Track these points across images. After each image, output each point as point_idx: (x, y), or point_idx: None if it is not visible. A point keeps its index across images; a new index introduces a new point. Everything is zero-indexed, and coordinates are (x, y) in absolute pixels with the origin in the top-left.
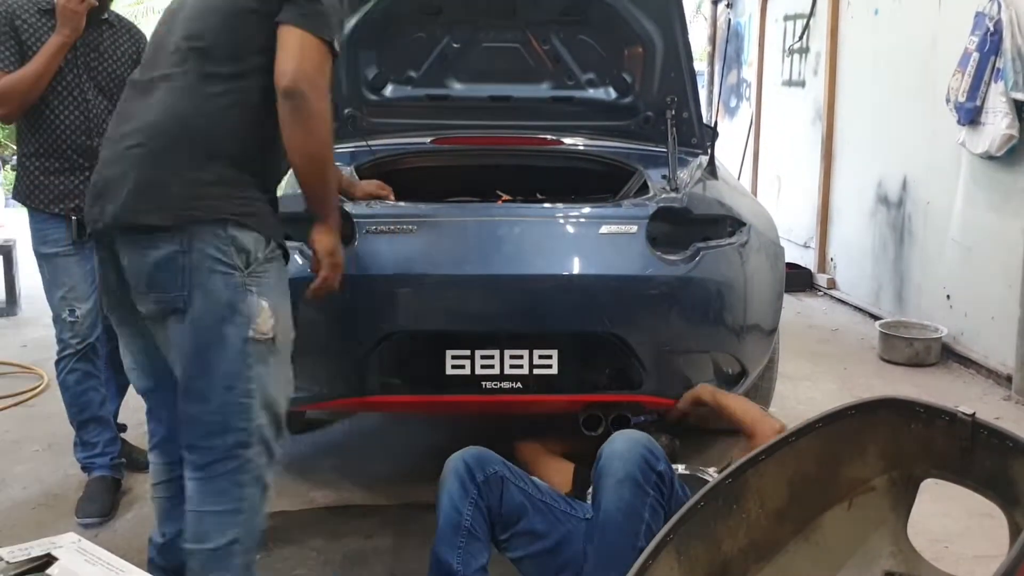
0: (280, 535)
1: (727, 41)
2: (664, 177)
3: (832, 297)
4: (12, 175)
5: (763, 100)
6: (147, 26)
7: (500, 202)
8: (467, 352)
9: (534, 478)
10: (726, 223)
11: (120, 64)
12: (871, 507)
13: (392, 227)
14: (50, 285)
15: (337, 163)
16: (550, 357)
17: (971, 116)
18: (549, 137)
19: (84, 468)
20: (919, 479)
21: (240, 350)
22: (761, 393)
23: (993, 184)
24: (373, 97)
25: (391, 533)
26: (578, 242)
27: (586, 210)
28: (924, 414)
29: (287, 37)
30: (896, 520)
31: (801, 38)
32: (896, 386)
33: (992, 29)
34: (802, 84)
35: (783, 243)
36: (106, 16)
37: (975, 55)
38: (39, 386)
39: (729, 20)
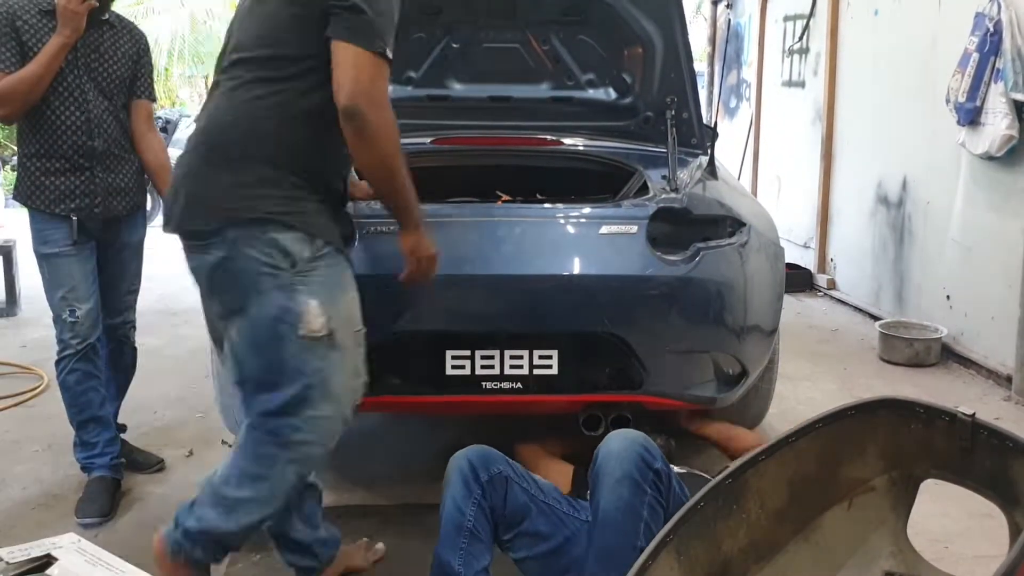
0: None
1: (727, 41)
2: (664, 177)
3: (832, 297)
4: (12, 175)
5: (763, 100)
6: (147, 26)
7: (500, 202)
8: (467, 352)
9: (537, 478)
10: (726, 223)
11: (121, 65)
12: (871, 507)
13: (392, 227)
14: (50, 285)
15: None
16: (550, 357)
17: (971, 116)
18: (549, 137)
19: (84, 468)
20: (919, 479)
21: (296, 347)
22: (761, 393)
23: (993, 184)
24: None
25: (391, 533)
26: (578, 242)
27: (586, 210)
28: (924, 414)
29: (340, 53)
30: (896, 520)
31: (801, 38)
32: (896, 386)
33: (992, 29)
34: (802, 84)
35: (783, 243)
36: (107, 17)
37: (975, 55)
38: (39, 386)
39: (729, 20)
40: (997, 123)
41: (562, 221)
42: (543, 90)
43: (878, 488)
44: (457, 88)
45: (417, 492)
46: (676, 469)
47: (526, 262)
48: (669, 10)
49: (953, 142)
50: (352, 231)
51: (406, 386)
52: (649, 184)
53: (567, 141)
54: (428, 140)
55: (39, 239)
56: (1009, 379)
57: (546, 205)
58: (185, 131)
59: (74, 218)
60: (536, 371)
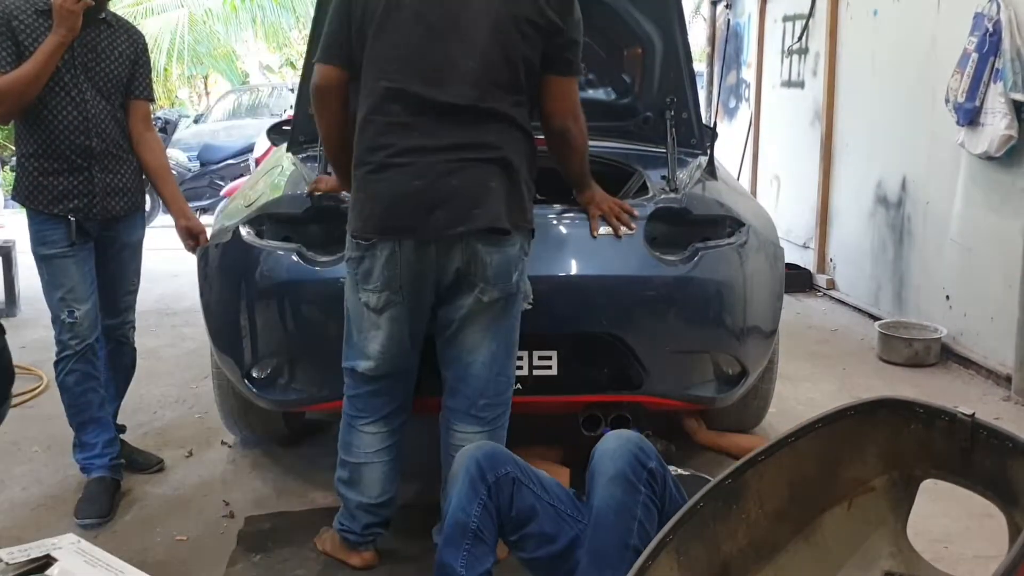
0: (280, 535)
1: (726, 42)
2: (663, 178)
3: (831, 298)
4: (11, 176)
5: (762, 101)
6: (146, 26)
7: None
8: None
9: (543, 477)
10: (725, 224)
11: (118, 64)
12: (871, 507)
13: None
14: (49, 286)
15: None
16: (550, 358)
17: (970, 117)
18: None
19: (83, 469)
20: (919, 479)
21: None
22: (761, 394)
23: (992, 184)
24: None
25: (391, 533)
26: (577, 243)
27: None
28: (923, 414)
29: (566, 88)
30: (896, 520)
31: (800, 39)
32: (895, 386)
33: (991, 30)
34: (801, 85)
35: (782, 244)
36: (103, 16)
37: (974, 56)
38: (38, 387)
39: (728, 21)
40: (996, 123)
41: (561, 221)
42: None
43: (878, 488)
44: None
45: (417, 492)
46: (678, 471)
47: None
48: (668, 10)
49: (952, 142)
50: None
51: None
52: (648, 184)
53: None
54: None
55: (38, 240)
56: (1009, 379)
57: (545, 205)
58: (184, 131)
59: (72, 219)
60: (536, 371)
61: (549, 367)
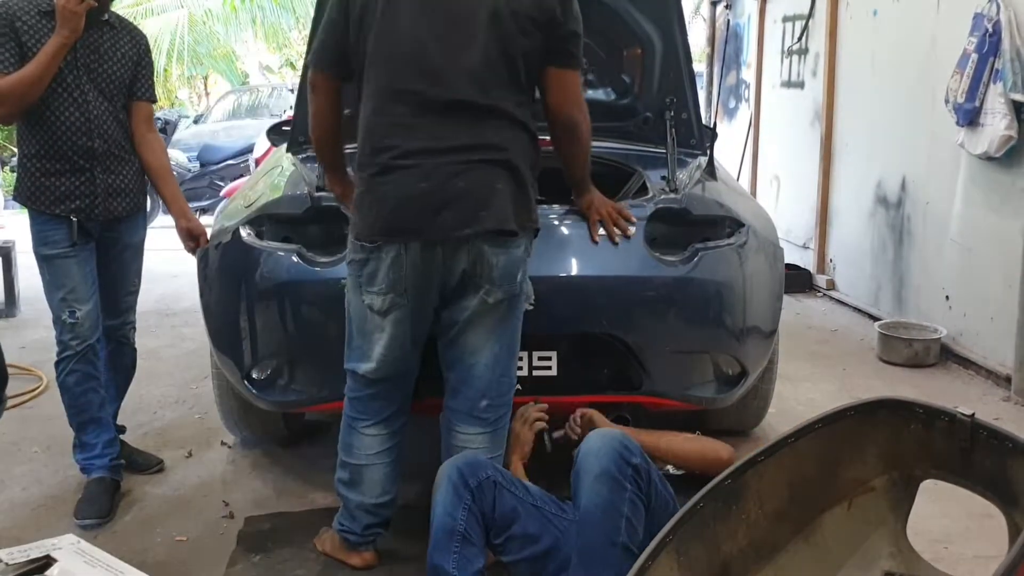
0: (280, 536)
1: (726, 42)
2: (663, 178)
3: (831, 298)
4: (12, 176)
5: (762, 101)
6: (146, 27)
7: None
8: None
9: (525, 482)
10: (725, 224)
11: (120, 66)
12: (871, 508)
13: None
14: (50, 287)
15: None
16: (549, 358)
17: (970, 117)
18: (547, 138)
19: (83, 469)
20: (919, 480)
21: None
22: (761, 394)
23: (992, 185)
24: None
25: (390, 534)
26: (577, 243)
27: None
28: (923, 415)
29: (567, 80)
30: (896, 521)
31: (800, 39)
32: (895, 387)
33: (991, 30)
34: (801, 85)
35: (782, 244)
36: (106, 17)
37: (974, 56)
38: (38, 388)
39: (728, 21)
40: (996, 124)
41: (561, 222)
42: None
43: (878, 488)
44: None
45: (416, 493)
46: (670, 470)
47: None
48: (668, 11)
49: (952, 143)
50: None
51: None
52: (648, 185)
53: None
54: None
55: (39, 240)
56: (1008, 379)
57: (545, 206)
58: (184, 132)
59: (74, 219)
60: (535, 372)
61: (549, 367)
